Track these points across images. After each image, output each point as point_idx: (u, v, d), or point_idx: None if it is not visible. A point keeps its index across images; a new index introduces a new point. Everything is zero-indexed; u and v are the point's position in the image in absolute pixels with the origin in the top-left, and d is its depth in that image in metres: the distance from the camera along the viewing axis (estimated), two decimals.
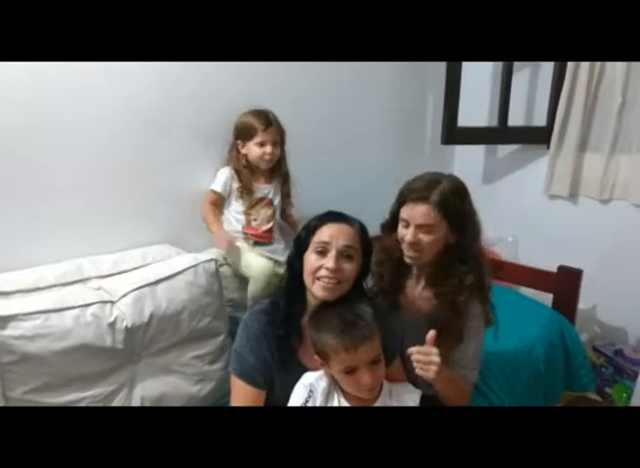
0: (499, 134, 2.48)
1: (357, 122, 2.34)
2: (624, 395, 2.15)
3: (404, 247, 1.28)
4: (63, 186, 1.51)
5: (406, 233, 1.26)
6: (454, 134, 2.41)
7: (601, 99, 2.26)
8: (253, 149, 1.74)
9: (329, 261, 1.10)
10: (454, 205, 1.24)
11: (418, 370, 1.13)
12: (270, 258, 1.75)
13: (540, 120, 2.46)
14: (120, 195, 1.64)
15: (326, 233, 1.13)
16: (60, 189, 1.51)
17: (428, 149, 2.72)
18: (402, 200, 1.28)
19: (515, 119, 2.44)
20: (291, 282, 1.20)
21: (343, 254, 1.12)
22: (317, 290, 1.12)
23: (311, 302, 1.18)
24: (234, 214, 1.78)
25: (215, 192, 1.76)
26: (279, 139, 1.78)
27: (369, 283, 1.31)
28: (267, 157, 1.74)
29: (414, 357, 1.13)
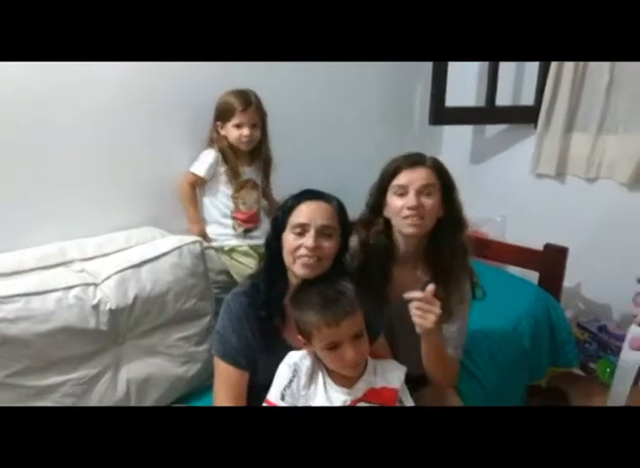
0: (487, 113, 2.47)
1: (345, 103, 2.31)
2: (608, 370, 2.19)
3: (403, 217, 1.23)
4: (46, 170, 1.48)
5: (406, 200, 1.22)
6: (442, 114, 2.39)
7: (588, 78, 2.26)
8: (231, 131, 1.69)
9: (308, 240, 1.09)
10: (443, 168, 1.27)
11: (415, 318, 1.13)
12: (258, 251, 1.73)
13: (527, 99, 2.45)
14: (104, 178, 1.62)
15: (303, 212, 1.12)
16: (44, 173, 1.48)
17: (417, 130, 2.70)
18: (394, 172, 1.25)
19: (503, 98, 2.43)
20: (270, 263, 1.19)
21: (322, 233, 1.11)
22: (298, 268, 1.12)
23: (293, 282, 1.18)
24: (222, 200, 1.74)
25: (195, 175, 1.71)
26: (259, 122, 1.72)
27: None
28: (245, 139, 1.69)
29: (414, 304, 1.12)
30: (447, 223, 1.27)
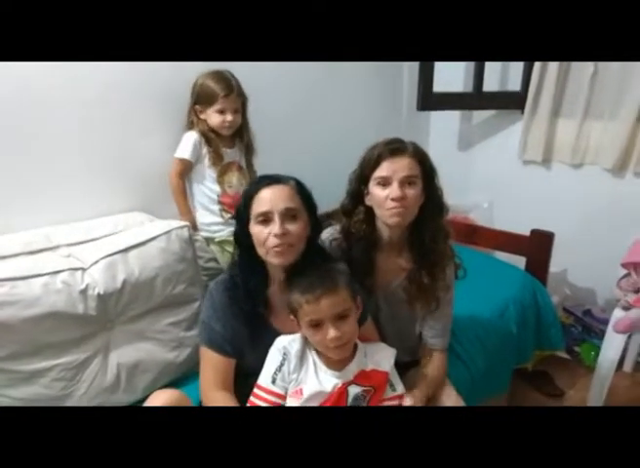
0: (474, 99, 2.47)
1: (331, 90, 2.30)
2: (592, 353, 2.23)
3: (387, 208, 1.20)
4: (34, 154, 1.46)
5: (389, 191, 1.19)
6: (429, 99, 2.39)
7: (574, 64, 2.27)
8: (212, 116, 1.66)
9: (274, 227, 1.08)
10: (424, 155, 1.24)
11: None
12: None
13: (514, 85, 2.46)
14: (92, 163, 1.60)
15: (263, 200, 1.10)
16: (31, 157, 1.46)
17: (404, 116, 2.70)
18: (375, 162, 1.22)
19: (490, 84, 2.44)
20: (244, 257, 1.18)
21: (286, 216, 1.10)
22: (272, 258, 1.11)
23: (273, 272, 1.17)
24: (209, 184, 1.72)
25: (183, 160, 1.68)
26: (240, 106, 1.70)
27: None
28: (227, 124, 1.67)
29: None
30: (428, 209, 1.26)
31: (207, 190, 1.73)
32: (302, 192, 1.15)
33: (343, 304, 1.07)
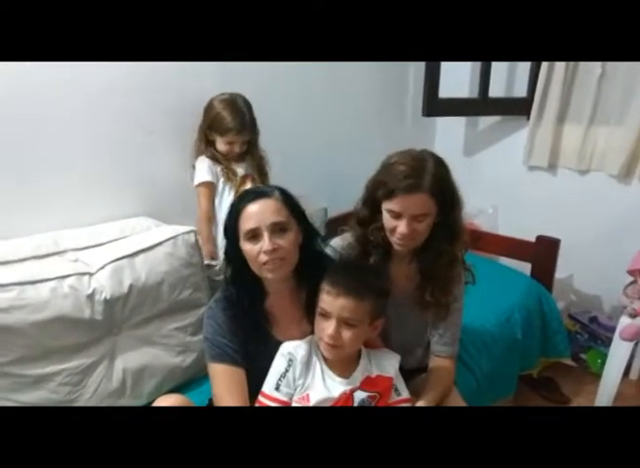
0: (480, 105, 2.47)
1: (337, 94, 2.31)
2: (599, 361, 2.21)
3: (395, 237, 1.19)
4: (41, 159, 1.47)
5: (398, 224, 1.16)
6: (435, 105, 2.40)
7: (581, 70, 2.27)
8: (221, 144, 1.70)
9: (264, 244, 1.07)
10: (444, 184, 1.18)
11: None
12: None
13: (520, 91, 2.46)
14: (99, 168, 1.61)
15: (250, 216, 1.09)
16: (38, 162, 1.47)
17: (410, 121, 2.71)
18: (388, 193, 1.17)
19: (496, 90, 2.44)
20: (236, 274, 1.17)
21: (275, 231, 1.08)
22: (265, 273, 1.11)
23: (268, 285, 1.17)
24: (228, 201, 1.71)
25: (205, 183, 1.70)
26: (248, 139, 1.73)
27: None
28: (234, 154, 1.72)
29: None
30: (440, 230, 1.23)
31: (227, 207, 1.73)
32: (288, 201, 1.13)
33: (357, 315, 1.07)
